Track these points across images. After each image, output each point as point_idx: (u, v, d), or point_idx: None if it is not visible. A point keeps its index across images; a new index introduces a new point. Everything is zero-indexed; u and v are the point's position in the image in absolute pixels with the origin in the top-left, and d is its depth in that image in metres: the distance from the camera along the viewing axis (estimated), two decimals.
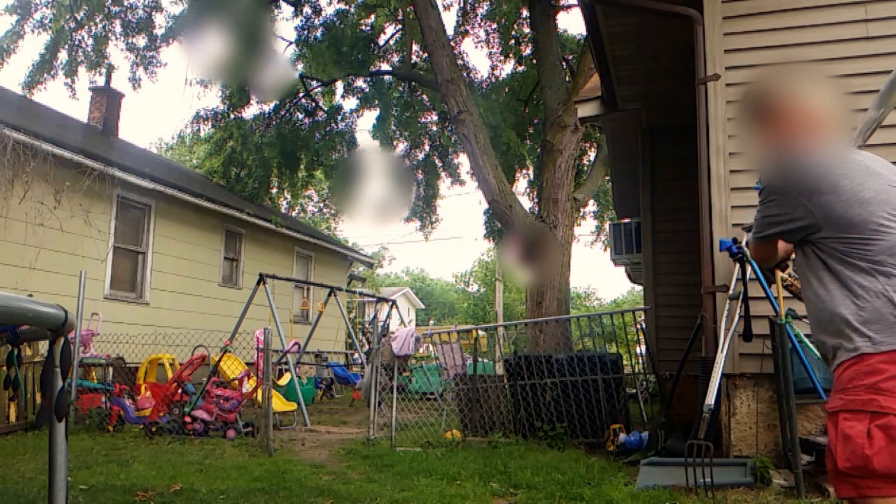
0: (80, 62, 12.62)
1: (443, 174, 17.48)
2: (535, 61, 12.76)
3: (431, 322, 40.44)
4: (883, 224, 1.70)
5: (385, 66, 16.52)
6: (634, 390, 7.55)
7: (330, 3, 23.12)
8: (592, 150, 16.17)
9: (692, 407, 4.89)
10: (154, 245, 10.76)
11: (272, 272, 10.12)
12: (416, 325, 37.47)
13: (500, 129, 13.54)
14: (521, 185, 17.69)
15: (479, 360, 7.43)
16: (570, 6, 12.76)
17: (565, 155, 9.90)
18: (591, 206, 18.59)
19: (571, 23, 62.60)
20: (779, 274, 4.25)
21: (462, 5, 15.34)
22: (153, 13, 13.38)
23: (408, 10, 13.85)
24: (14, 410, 6.63)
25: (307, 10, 14.98)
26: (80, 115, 15.30)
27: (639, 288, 19.11)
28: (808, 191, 1.77)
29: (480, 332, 9.55)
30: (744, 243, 4.52)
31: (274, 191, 17.29)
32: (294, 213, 21.90)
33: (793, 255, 2.14)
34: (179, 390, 6.99)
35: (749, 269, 4.47)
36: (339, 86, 16.48)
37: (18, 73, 54.79)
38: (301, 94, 16.15)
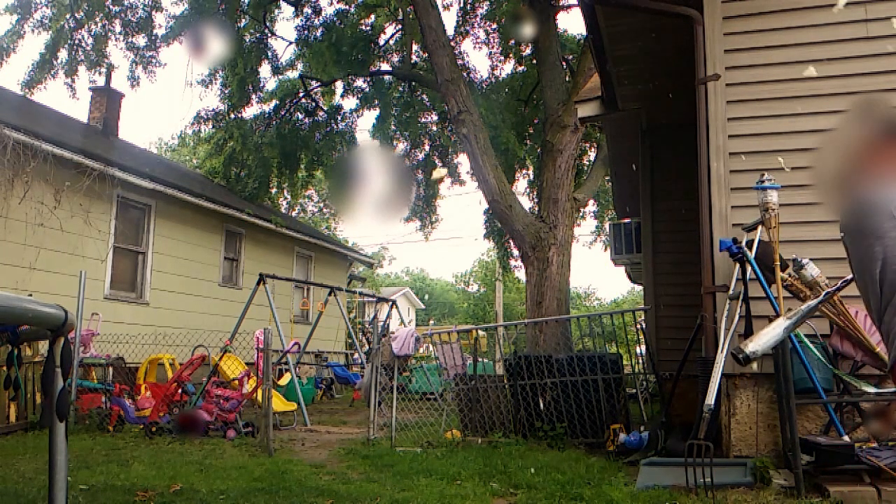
0: (80, 61, 12.61)
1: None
2: (535, 61, 12.75)
3: (431, 322, 40.47)
4: None
5: (385, 66, 16.49)
6: (634, 390, 7.54)
7: (330, 4, 23.08)
8: (592, 150, 16.14)
9: (692, 407, 4.90)
10: (154, 245, 10.77)
11: (272, 272, 10.12)
12: (416, 325, 37.48)
13: (500, 129, 13.53)
14: (521, 185, 17.66)
15: (479, 360, 7.44)
16: (570, 6, 12.75)
17: (565, 155, 9.89)
18: (591, 206, 18.55)
19: (571, 23, 62.57)
20: (779, 274, 4.26)
21: (462, 5, 15.33)
22: (153, 13, 13.38)
23: (408, 10, 13.83)
24: (14, 410, 6.64)
25: (307, 10, 14.97)
26: (80, 115, 15.31)
27: (639, 288, 19.10)
28: None
29: (480, 332, 9.54)
30: (743, 243, 4.52)
31: (274, 191, 17.26)
32: (294, 213, 21.88)
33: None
34: (179, 390, 7.00)
35: (749, 268, 4.47)
36: (339, 86, 16.46)
37: (18, 73, 54.78)
38: (301, 94, 16.13)
